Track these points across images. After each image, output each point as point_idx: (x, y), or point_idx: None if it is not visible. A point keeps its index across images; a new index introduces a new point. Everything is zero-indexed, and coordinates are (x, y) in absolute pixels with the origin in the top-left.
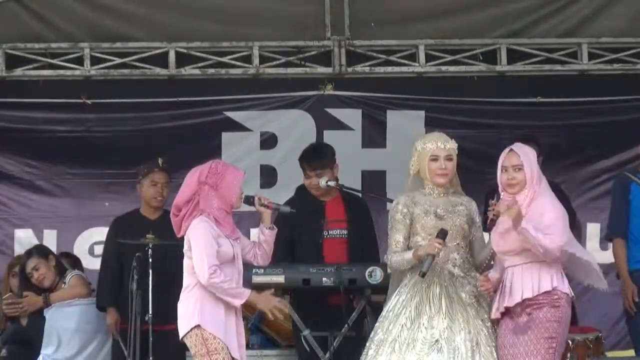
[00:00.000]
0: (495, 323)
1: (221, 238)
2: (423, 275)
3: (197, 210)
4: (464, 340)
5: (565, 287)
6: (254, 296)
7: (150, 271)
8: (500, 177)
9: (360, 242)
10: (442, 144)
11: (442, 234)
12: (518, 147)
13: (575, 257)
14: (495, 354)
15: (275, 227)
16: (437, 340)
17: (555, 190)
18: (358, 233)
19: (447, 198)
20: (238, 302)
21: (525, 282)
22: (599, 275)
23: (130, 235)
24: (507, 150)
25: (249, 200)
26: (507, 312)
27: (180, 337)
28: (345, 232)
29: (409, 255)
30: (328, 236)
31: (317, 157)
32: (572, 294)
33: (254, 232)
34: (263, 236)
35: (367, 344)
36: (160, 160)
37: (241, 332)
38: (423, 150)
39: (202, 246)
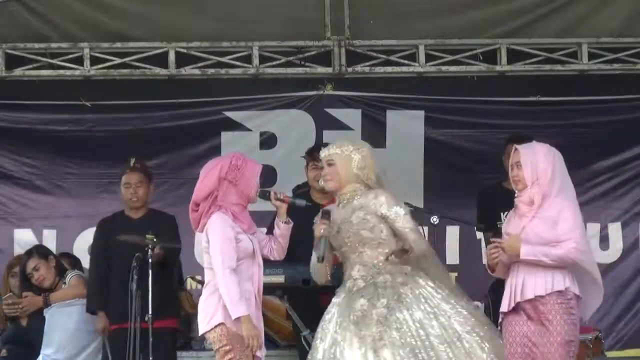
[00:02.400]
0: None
1: (240, 234)
2: (321, 259)
3: (215, 206)
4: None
5: (576, 289)
6: (244, 319)
7: (150, 271)
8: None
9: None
10: (322, 153)
11: (326, 215)
12: (523, 145)
13: (588, 275)
14: None
15: (291, 221)
16: None
17: None
18: None
19: (350, 205)
20: (232, 312)
21: (538, 279)
22: (599, 293)
23: (114, 236)
24: (513, 148)
25: (265, 194)
26: (516, 308)
27: (200, 333)
28: None
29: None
30: None
31: None
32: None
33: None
34: (279, 230)
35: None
36: (132, 161)
37: (262, 330)
38: None
39: (219, 243)
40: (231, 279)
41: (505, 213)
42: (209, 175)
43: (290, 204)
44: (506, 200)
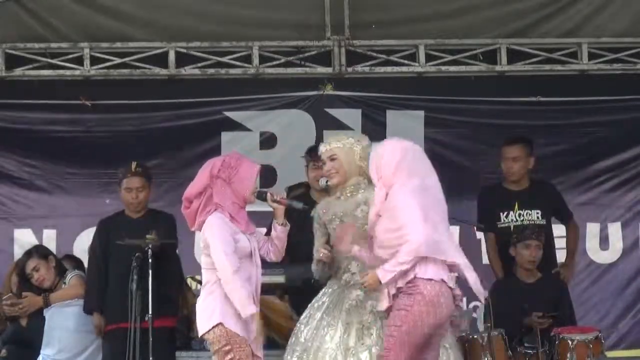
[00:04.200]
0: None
1: (237, 234)
2: (317, 283)
3: (211, 205)
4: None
5: (427, 273)
6: (254, 317)
7: (150, 271)
8: None
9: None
10: (322, 147)
11: (327, 246)
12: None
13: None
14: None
15: (288, 223)
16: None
17: (548, 188)
18: None
19: (353, 199)
20: (242, 312)
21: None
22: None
23: (114, 236)
24: None
25: (262, 195)
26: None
27: (200, 334)
28: None
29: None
30: None
31: None
32: (447, 276)
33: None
34: (275, 232)
35: None
36: (133, 165)
37: (261, 331)
38: None
39: (220, 246)
40: (238, 279)
41: (505, 213)
42: (202, 172)
43: (287, 206)
44: (506, 200)
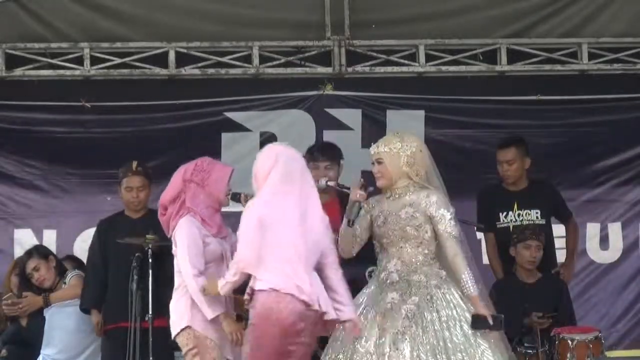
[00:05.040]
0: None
1: (208, 237)
2: (351, 223)
3: (183, 209)
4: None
5: (262, 284)
6: (223, 317)
7: (150, 271)
8: None
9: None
10: (372, 149)
11: (364, 185)
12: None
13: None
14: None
15: None
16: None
17: (547, 188)
18: None
19: (401, 200)
20: (206, 314)
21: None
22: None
23: (113, 235)
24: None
25: (236, 197)
26: None
27: (172, 337)
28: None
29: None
30: None
31: (330, 148)
32: (290, 284)
33: None
34: None
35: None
36: (134, 164)
37: (235, 331)
38: None
39: (185, 248)
40: (199, 282)
41: (504, 213)
42: (174, 178)
43: None
44: (505, 201)
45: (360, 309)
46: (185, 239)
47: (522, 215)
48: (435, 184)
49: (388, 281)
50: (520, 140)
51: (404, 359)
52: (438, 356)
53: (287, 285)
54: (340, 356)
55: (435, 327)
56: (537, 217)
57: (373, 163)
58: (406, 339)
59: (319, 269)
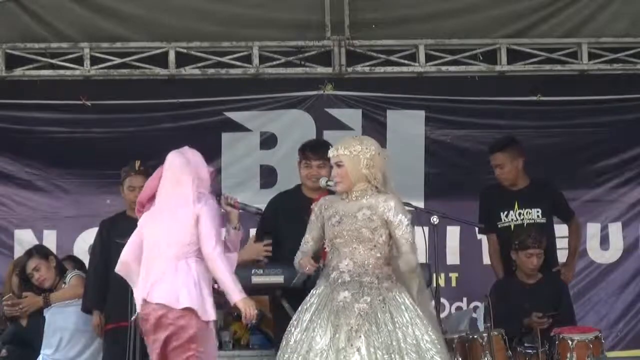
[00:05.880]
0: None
1: None
2: (292, 285)
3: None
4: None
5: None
6: None
7: None
8: None
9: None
10: (331, 152)
11: (317, 260)
12: None
13: None
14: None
15: (241, 227)
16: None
17: (548, 187)
18: None
19: (357, 202)
20: None
21: None
22: None
23: (115, 236)
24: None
25: (216, 198)
26: None
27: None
28: None
29: (298, 259)
30: None
31: (322, 146)
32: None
33: (252, 232)
34: (229, 236)
35: None
36: (137, 163)
37: None
38: None
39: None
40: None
41: (505, 212)
42: (153, 176)
43: (240, 210)
44: (506, 200)
45: (312, 309)
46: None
47: (523, 214)
48: (391, 189)
49: (339, 281)
50: (509, 142)
51: (360, 356)
52: (392, 355)
53: (146, 294)
54: (295, 355)
55: (389, 327)
56: (538, 216)
57: (331, 166)
58: (360, 336)
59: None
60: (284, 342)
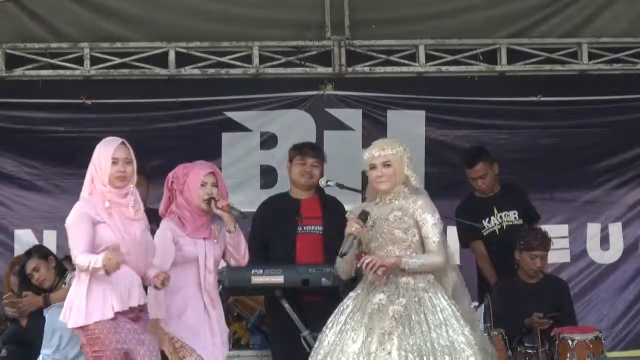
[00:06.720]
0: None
1: (182, 238)
2: (342, 255)
3: (169, 213)
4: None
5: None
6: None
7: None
8: None
9: (336, 240)
10: (376, 152)
11: (363, 215)
12: None
13: None
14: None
15: (237, 229)
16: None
17: (516, 190)
18: (334, 231)
19: (390, 205)
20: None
21: None
22: None
23: None
24: None
25: (208, 202)
26: None
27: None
28: (320, 228)
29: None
30: (302, 231)
31: (317, 147)
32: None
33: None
34: (229, 239)
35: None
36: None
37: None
38: (364, 162)
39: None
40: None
41: (487, 219)
42: (165, 188)
43: (228, 212)
44: (484, 208)
45: (348, 311)
46: (156, 240)
47: (503, 217)
48: (421, 189)
49: (376, 284)
50: (482, 152)
51: (391, 359)
52: (425, 357)
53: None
54: (328, 358)
55: (423, 329)
56: (515, 218)
57: (373, 167)
58: (392, 339)
59: None
60: (317, 343)
